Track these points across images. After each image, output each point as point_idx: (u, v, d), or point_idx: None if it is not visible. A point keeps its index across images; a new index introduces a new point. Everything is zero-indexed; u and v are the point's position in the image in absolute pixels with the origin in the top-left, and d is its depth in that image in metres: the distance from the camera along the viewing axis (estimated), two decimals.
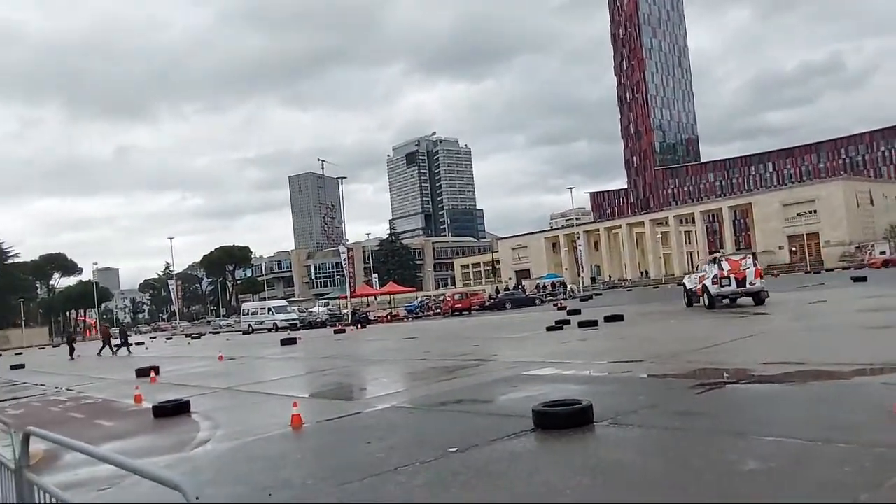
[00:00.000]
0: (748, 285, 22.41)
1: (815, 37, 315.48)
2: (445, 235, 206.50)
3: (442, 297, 62.84)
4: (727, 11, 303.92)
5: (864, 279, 31.76)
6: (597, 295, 55.60)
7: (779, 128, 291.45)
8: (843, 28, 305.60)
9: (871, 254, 57.80)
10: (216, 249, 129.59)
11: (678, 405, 7.51)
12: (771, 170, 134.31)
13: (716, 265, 23.28)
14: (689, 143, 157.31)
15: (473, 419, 7.94)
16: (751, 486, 4.51)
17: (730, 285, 22.51)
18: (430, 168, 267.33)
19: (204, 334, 61.14)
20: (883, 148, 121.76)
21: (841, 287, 28.38)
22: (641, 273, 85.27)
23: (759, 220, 78.00)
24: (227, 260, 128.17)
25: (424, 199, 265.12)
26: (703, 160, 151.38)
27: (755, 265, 23.06)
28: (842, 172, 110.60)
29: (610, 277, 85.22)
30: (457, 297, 53.50)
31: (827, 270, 55.70)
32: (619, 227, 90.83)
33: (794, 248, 72.42)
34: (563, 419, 6.57)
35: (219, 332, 66.89)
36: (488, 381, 10.85)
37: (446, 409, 8.79)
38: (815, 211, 72.07)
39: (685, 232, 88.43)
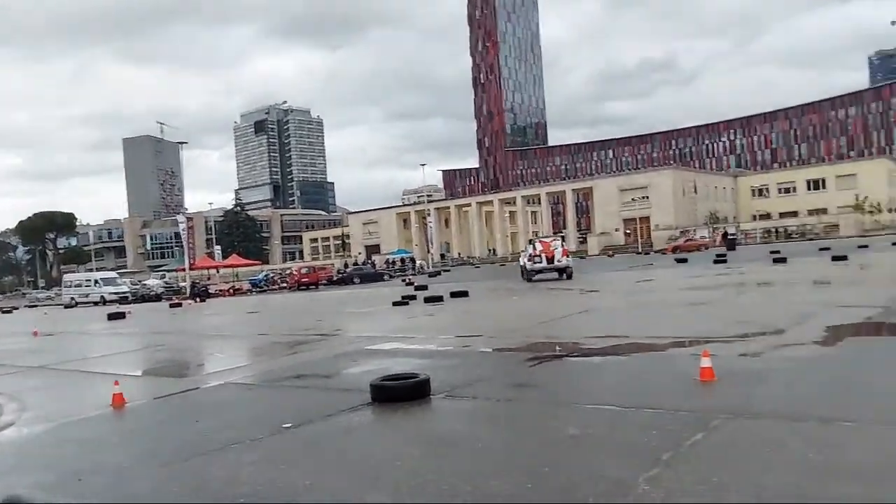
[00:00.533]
0: (556, 262, 26.47)
1: (654, 34, 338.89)
2: (295, 208, 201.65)
3: (288, 271, 61.41)
4: (578, 2, 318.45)
5: (685, 260, 34.90)
6: (445, 271, 56.79)
7: (619, 117, 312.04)
8: (678, 27, 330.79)
9: (692, 239, 63.44)
10: (34, 215, 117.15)
11: (512, 377, 7.82)
12: (611, 156, 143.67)
13: (531, 246, 27.39)
14: (538, 126, 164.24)
15: (312, 394, 7.81)
16: (569, 449, 4.81)
17: (541, 262, 26.45)
18: (280, 138, 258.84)
19: (17, 308, 55.45)
20: (707, 141, 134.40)
21: (666, 267, 30.96)
22: (489, 251, 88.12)
23: (598, 203, 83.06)
24: (47, 227, 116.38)
25: (273, 169, 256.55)
26: (550, 144, 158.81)
27: (563, 246, 27.16)
28: (671, 162, 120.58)
29: (459, 254, 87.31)
30: (304, 270, 52.48)
31: (656, 252, 60.56)
32: (469, 205, 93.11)
33: (628, 231, 77.87)
34: (400, 392, 6.61)
35: (36, 306, 61.07)
36: (330, 356, 10.71)
37: (285, 384, 8.57)
38: (647, 197, 77.86)
39: (532, 212, 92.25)
